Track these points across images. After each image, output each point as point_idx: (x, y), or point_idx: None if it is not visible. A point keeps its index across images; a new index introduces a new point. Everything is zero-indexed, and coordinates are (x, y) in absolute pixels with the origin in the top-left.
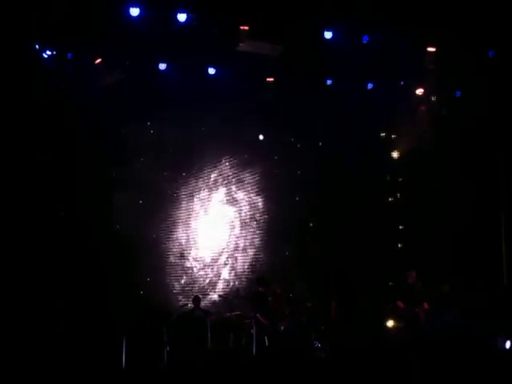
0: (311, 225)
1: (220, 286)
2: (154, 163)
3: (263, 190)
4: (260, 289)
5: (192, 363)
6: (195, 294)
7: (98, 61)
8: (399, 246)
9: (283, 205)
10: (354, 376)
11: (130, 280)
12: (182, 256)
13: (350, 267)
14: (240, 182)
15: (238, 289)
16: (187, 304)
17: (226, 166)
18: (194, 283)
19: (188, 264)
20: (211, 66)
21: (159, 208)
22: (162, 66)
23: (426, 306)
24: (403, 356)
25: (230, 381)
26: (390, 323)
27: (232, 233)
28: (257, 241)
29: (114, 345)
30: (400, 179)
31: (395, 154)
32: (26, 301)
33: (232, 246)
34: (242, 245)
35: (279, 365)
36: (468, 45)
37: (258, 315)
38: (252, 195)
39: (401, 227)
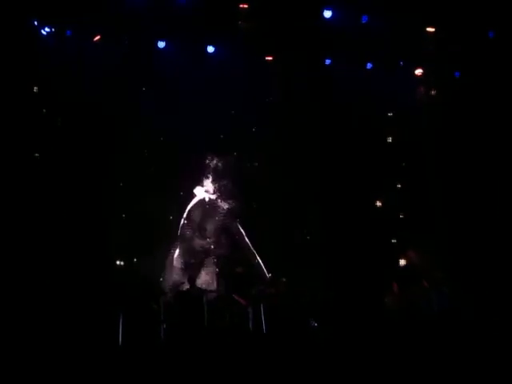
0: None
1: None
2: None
3: (258, 172)
4: (238, 270)
5: (188, 341)
6: (191, 273)
7: (97, 38)
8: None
9: (278, 189)
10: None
11: (126, 257)
12: (180, 235)
13: (348, 250)
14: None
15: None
16: (184, 283)
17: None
18: (191, 262)
19: (186, 244)
20: (210, 45)
21: (158, 186)
22: (161, 44)
23: (425, 284)
24: (398, 336)
25: (227, 358)
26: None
27: (226, 214)
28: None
29: (111, 322)
30: (401, 163)
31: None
32: (24, 277)
33: (224, 229)
34: (235, 229)
35: (276, 343)
36: (468, 25)
37: (234, 296)
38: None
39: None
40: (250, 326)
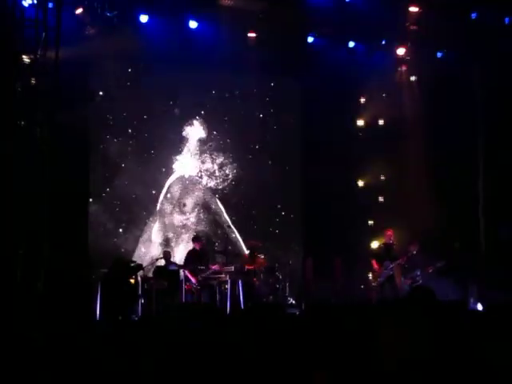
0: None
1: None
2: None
3: (239, 150)
4: (195, 246)
5: (165, 316)
6: (168, 249)
7: (79, 11)
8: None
9: (259, 166)
10: (328, 333)
11: (103, 231)
12: (159, 211)
13: (327, 227)
14: (220, 138)
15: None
16: (161, 258)
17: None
18: (169, 238)
19: (163, 219)
20: (193, 20)
21: (140, 165)
22: (144, 19)
23: (401, 261)
24: (374, 314)
25: (203, 334)
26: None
27: (206, 189)
28: (231, 201)
29: (87, 297)
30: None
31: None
32: None
33: (205, 204)
34: (214, 205)
35: (252, 320)
36: (450, 5)
37: (186, 272)
38: (230, 156)
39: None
40: (228, 302)
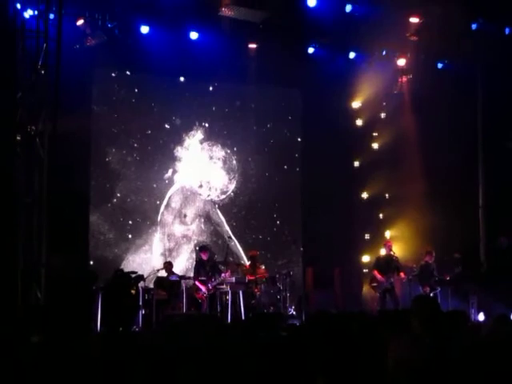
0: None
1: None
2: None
3: (239, 161)
4: (202, 256)
5: (165, 327)
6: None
7: (81, 22)
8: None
9: (259, 177)
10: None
11: (104, 242)
12: (160, 221)
13: (327, 236)
14: (221, 150)
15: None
16: (162, 269)
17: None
18: (170, 248)
19: (164, 229)
20: (193, 31)
21: (141, 175)
22: (145, 30)
23: (402, 275)
24: (374, 325)
25: (203, 345)
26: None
27: (207, 200)
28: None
29: (88, 308)
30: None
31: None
32: None
33: (205, 215)
34: (215, 216)
35: (252, 331)
36: (451, 16)
37: (196, 282)
38: (231, 167)
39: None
40: (229, 313)
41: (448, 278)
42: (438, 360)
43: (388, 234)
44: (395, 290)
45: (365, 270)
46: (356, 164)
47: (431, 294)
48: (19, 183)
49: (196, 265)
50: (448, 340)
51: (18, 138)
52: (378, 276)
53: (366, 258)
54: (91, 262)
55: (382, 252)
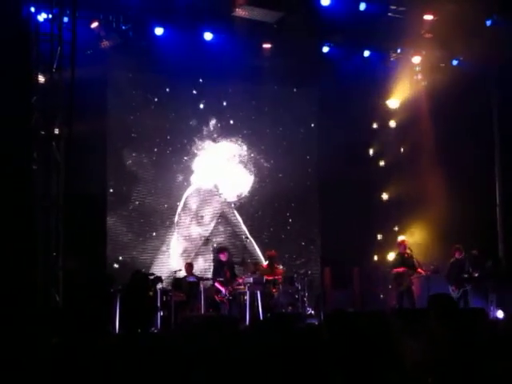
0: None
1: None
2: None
3: (256, 161)
4: (221, 257)
5: (183, 328)
6: (189, 260)
7: (95, 24)
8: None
9: (275, 177)
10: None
11: (121, 244)
12: (177, 223)
13: (345, 236)
14: (238, 151)
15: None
16: (180, 270)
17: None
18: (188, 249)
19: (182, 231)
20: (208, 31)
21: (158, 177)
22: (159, 31)
23: (420, 271)
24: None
25: (221, 348)
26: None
27: (223, 200)
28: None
29: (106, 310)
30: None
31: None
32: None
33: (222, 215)
34: (232, 217)
35: (271, 333)
36: (466, 13)
37: (216, 283)
38: (247, 167)
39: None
40: (247, 313)
41: (477, 275)
42: (456, 358)
43: (405, 233)
44: (412, 289)
45: (383, 270)
46: (375, 164)
47: (460, 292)
48: (36, 187)
49: (215, 266)
50: (466, 338)
51: (34, 142)
52: (401, 270)
53: (383, 258)
54: (115, 265)
55: (398, 250)
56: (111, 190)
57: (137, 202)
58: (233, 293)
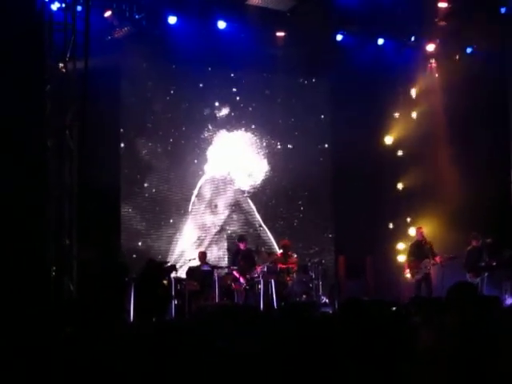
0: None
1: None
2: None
3: (269, 150)
4: (240, 246)
5: (197, 317)
6: (202, 248)
7: (108, 13)
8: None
9: (289, 166)
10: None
11: (135, 233)
12: (191, 211)
13: (359, 224)
14: (251, 139)
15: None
16: (194, 258)
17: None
18: (202, 238)
19: (196, 219)
20: (221, 20)
21: (171, 166)
22: (172, 20)
23: (437, 259)
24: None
25: (235, 336)
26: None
27: (237, 189)
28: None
29: (121, 299)
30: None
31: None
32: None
33: (236, 204)
34: (246, 205)
35: (286, 321)
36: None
37: (234, 271)
38: (260, 156)
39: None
40: (261, 302)
41: (495, 264)
42: (470, 346)
43: (420, 222)
44: (431, 277)
45: (397, 259)
46: (389, 153)
47: (478, 280)
48: (50, 176)
49: (233, 255)
50: (480, 326)
51: (48, 130)
52: (413, 263)
53: (398, 247)
54: (130, 254)
55: (414, 238)
56: (124, 179)
57: (151, 191)
58: (250, 282)
